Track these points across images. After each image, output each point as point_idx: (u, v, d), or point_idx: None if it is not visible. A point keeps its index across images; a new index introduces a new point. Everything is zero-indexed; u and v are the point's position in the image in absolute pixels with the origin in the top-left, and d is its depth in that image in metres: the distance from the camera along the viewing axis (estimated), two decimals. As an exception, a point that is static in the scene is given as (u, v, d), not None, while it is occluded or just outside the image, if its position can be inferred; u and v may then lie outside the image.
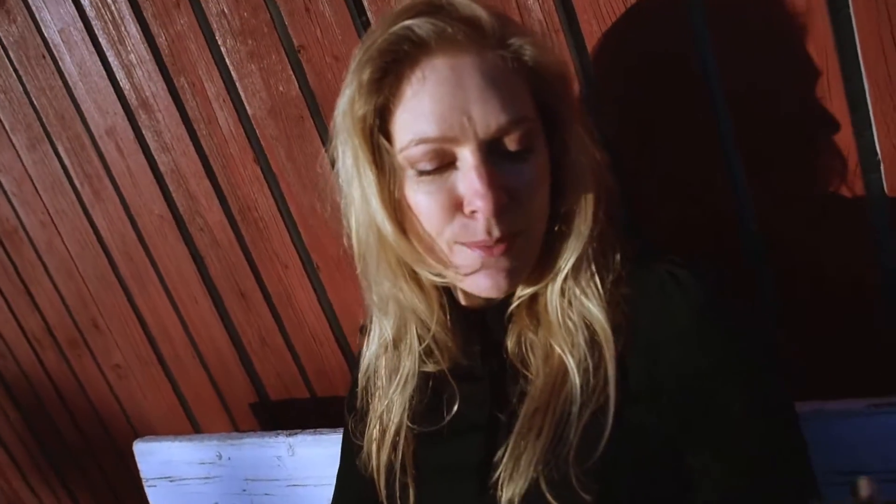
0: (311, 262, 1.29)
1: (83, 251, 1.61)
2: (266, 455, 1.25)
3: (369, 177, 0.64)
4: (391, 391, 0.77)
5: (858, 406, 0.76)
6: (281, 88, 1.15)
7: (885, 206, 0.80)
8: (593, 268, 0.67)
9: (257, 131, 1.21)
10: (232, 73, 1.17)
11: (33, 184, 1.58)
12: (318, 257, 1.28)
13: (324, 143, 1.14)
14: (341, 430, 1.17)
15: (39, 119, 1.47)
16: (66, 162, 1.49)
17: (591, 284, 0.66)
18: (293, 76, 1.12)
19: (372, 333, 0.81)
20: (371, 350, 0.81)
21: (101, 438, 1.95)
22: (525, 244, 0.66)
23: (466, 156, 0.61)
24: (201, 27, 1.17)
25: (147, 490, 1.45)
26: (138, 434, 1.87)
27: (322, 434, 1.19)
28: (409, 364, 0.76)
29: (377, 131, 0.64)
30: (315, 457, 1.20)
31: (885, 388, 0.80)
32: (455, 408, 0.73)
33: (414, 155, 0.62)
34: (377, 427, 0.78)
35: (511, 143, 0.62)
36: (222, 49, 1.16)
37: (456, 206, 0.63)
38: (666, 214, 0.91)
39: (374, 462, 0.78)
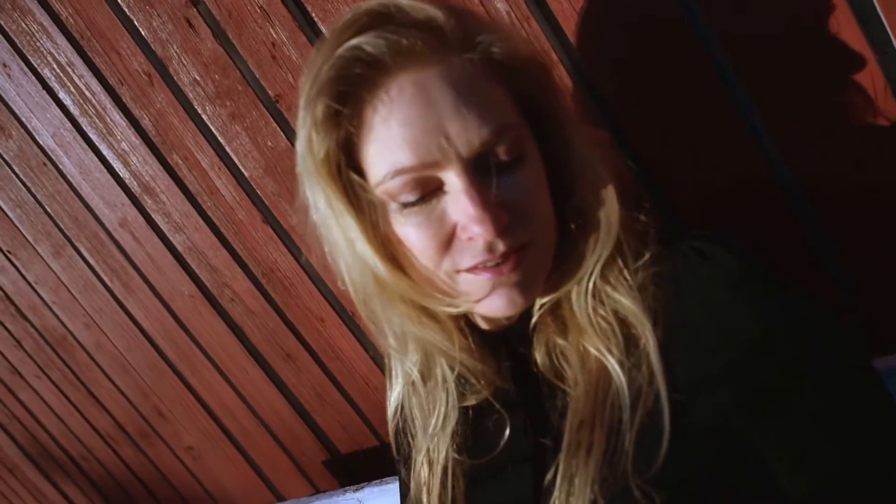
0: (345, 309, 1.24)
1: (129, 345, 1.60)
2: (340, 517, 1.19)
3: (348, 220, 0.58)
4: (431, 429, 0.70)
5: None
6: (269, 143, 1.09)
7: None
8: (620, 258, 0.59)
9: (258, 191, 1.16)
10: (219, 138, 1.13)
11: (68, 289, 1.58)
12: (350, 304, 1.22)
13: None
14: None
15: (56, 225, 1.47)
16: (91, 261, 1.49)
17: (621, 276, 0.59)
18: (278, 128, 1.07)
19: (394, 375, 0.76)
20: (396, 392, 0.76)
21: (192, 521, 1.95)
22: (536, 253, 0.58)
23: (453, 179, 0.54)
24: (178, 100, 1.13)
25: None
26: (226, 510, 1.85)
27: (388, 483, 1.14)
28: (444, 397, 0.69)
29: (345, 168, 0.57)
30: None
31: None
32: (506, 433, 0.66)
33: (393, 188, 0.55)
34: (424, 467, 0.71)
35: (499, 154, 0.55)
36: (203, 117, 1.12)
37: (450, 234, 0.56)
38: (690, 186, 0.81)
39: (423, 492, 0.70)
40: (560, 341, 0.61)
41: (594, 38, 0.79)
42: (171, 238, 1.33)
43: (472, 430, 0.68)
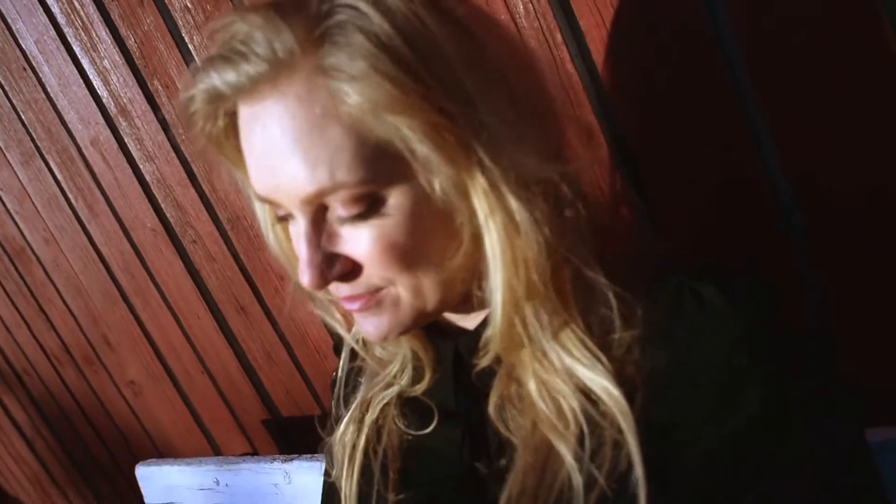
0: (304, 272, 1.20)
1: (86, 268, 1.56)
2: (262, 482, 1.16)
3: (259, 214, 0.58)
4: (371, 394, 0.66)
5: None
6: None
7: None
8: (583, 328, 0.51)
9: (234, 134, 1.11)
10: (202, 72, 1.08)
11: (32, 201, 1.54)
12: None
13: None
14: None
15: (29, 134, 1.42)
16: (59, 176, 1.44)
17: (584, 347, 0.51)
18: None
19: (345, 350, 0.71)
20: (344, 366, 0.72)
21: (124, 454, 1.92)
22: (395, 297, 0.52)
23: (297, 217, 0.49)
24: (167, 25, 1.08)
25: (150, 515, 1.40)
26: (158, 450, 1.82)
27: (319, 460, 1.09)
28: (398, 364, 0.65)
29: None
30: (313, 484, 1.10)
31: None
32: (432, 426, 0.61)
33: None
34: (352, 426, 0.67)
35: (337, 208, 0.48)
36: (190, 46, 1.07)
37: None
38: (691, 207, 0.77)
39: (344, 467, 0.66)
40: (512, 410, 0.54)
41: (616, 48, 0.74)
42: (140, 166, 1.28)
43: (409, 414, 0.64)
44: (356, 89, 0.44)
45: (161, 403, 1.68)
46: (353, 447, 0.66)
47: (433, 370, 0.62)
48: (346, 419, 0.67)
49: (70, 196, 1.45)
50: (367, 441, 0.65)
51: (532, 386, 0.52)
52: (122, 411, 1.82)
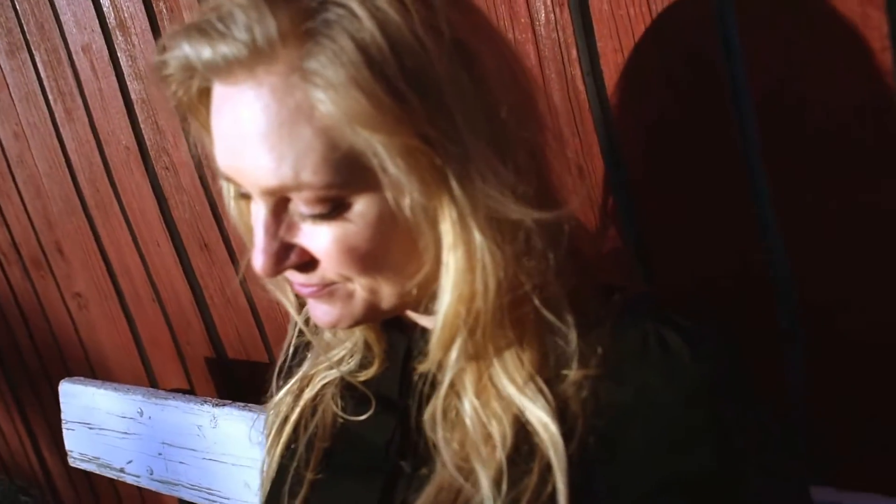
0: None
1: (51, 171, 1.52)
2: (187, 422, 1.15)
3: (223, 183, 0.56)
4: (314, 371, 0.66)
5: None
6: (258, 27, 1.02)
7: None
8: (528, 352, 0.51)
9: (230, 71, 1.09)
10: (210, 2, 1.06)
11: (10, 92, 1.49)
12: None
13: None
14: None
15: (20, 24, 1.38)
16: (42, 74, 1.40)
17: (526, 375, 0.50)
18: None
19: (294, 327, 0.71)
20: (291, 339, 0.72)
21: (57, 365, 1.89)
22: (349, 289, 0.51)
23: (257, 202, 0.48)
24: (184, -54, 1.05)
25: (64, 432, 1.38)
26: (92, 367, 1.80)
27: (250, 410, 1.09)
28: (334, 358, 0.65)
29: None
30: (238, 434, 1.10)
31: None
32: (368, 414, 0.61)
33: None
34: (288, 400, 0.66)
35: (299, 204, 0.47)
36: (202, -26, 1.04)
37: None
38: (684, 264, 0.78)
39: (271, 436, 0.66)
40: (443, 431, 0.54)
41: (630, 77, 0.74)
42: (128, 83, 1.25)
43: (350, 395, 0.64)
44: (333, 98, 0.42)
45: (104, 322, 1.66)
46: (285, 419, 0.66)
47: (381, 360, 0.62)
48: (284, 389, 0.67)
49: (50, 96, 1.41)
50: (300, 415, 0.65)
51: (467, 406, 0.52)
52: (63, 322, 1.79)
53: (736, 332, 0.53)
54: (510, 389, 0.50)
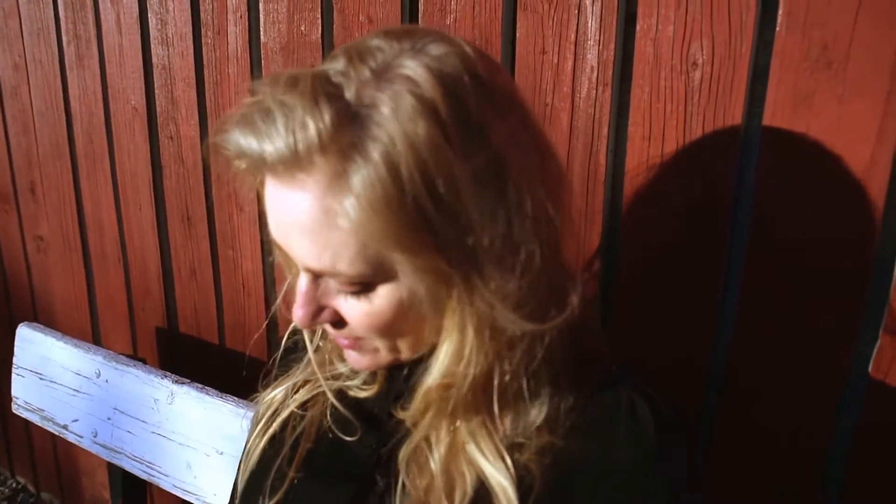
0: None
1: (46, 111, 1.49)
2: (145, 392, 1.15)
3: None
4: (314, 378, 0.69)
5: None
6: (303, 29, 1.05)
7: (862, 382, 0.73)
8: (497, 422, 0.56)
9: (263, 61, 1.11)
10: (259, -8, 1.07)
11: (20, 22, 1.46)
12: (277, 214, 1.18)
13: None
14: (226, 396, 1.08)
15: (50, -42, 1.35)
16: (61, 14, 1.37)
17: (492, 443, 0.56)
18: (319, 21, 1.03)
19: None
20: (290, 335, 0.76)
21: (0, 304, 1.83)
22: (373, 348, 0.59)
23: (300, 271, 0.55)
24: (245, -68, 1.06)
25: (13, 376, 1.35)
26: (36, 313, 1.75)
27: (208, 395, 1.10)
28: (339, 371, 0.68)
29: None
30: (192, 414, 1.10)
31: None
32: (357, 434, 0.65)
33: None
34: (281, 396, 0.70)
35: (333, 282, 0.54)
36: (257, -37, 1.06)
37: None
38: (636, 340, 0.84)
39: (259, 426, 0.69)
40: (422, 454, 0.58)
41: (651, 165, 0.81)
42: (152, 46, 1.25)
43: (338, 410, 0.67)
44: (363, 216, 0.46)
45: (62, 271, 1.62)
46: (275, 413, 0.69)
47: (381, 385, 0.66)
48: (281, 387, 0.70)
49: (64, 37, 1.39)
50: (290, 414, 0.68)
51: (436, 458, 0.57)
52: (17, 262, 1.74)
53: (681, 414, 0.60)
54: (476, 455, 0.56)
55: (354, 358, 0.60)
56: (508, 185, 0.49)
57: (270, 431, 0.68)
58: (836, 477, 0.77)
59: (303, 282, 0.54)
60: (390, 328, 0.55)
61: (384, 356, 0.59)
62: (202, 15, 1.16)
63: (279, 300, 0.69)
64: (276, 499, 0.63)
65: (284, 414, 0.68)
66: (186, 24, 1.18)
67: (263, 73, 1.11)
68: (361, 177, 0.45)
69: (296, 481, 0.64)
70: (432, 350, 0.56)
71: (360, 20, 0.98)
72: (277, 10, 1.06)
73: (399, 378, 0.64)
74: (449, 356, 0.53)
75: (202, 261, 1.33)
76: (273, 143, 0.45)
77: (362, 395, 0.67)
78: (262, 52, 1.10)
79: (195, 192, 1.29)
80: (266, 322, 1.26)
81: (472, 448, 0.56)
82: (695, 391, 0.83)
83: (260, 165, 0.47)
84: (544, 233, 0.51)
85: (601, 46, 0.81)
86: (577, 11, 0.82)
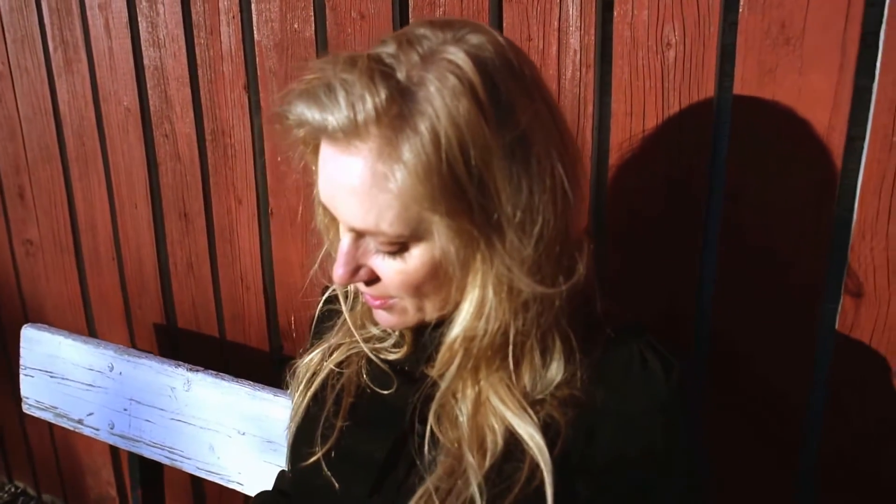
0: (267, 205, 1.25)
1: (34, 116, 1.51)
2: (160, 382, 1.19)
3: (316, 186, 0.66)
4: (347, 340, 0.76)
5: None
6: (296, 26, 1.10)
7: (830, 338, 0.83)
8: (519, 377, 0.63)
9: (257, 59, 1.16)
10: (251, -8, 1.12)
11: (3, 30, 1.47)
12: (276, 203, 1.24)
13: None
14: (241, 380, 1.14)
15: (32, -34, 1.37)
16: (46, 20, 1.40)
17: (514, 398, 0.62)
18: (312, 18, 1.08)
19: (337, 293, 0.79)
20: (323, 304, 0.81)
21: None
22: (402, 307, 0.65)
23: (343, 230, 0.61)
24: (235, -65, 1.11)
25: (21, 377, 1.37)
26: (27, 316, 1.77)
27: (223, 380, 1.15)
28: (371, 333, 0.75)
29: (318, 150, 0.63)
30: (210, 399, 1.15)
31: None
32: (394, 387, 0.72)
33: None
34: (319, 358, 0.76)
35: (375, 241, 0.60)
36: (249, -35, 1.11)
37: None
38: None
39: (300, 386, 0.76)
40: (449, 408, 0.64)
41: (633, 137, 0.89)
42: (143, 49, 1.28)
43: (374, 367, 0.74)
44: (409, 180, 0.53)
45: (54, 273, 1.64)
46: (314, 373, 0.76)
47: (409, 346, 0.73)
48: (317, 350, 0.77)
49: (50, 43, 1.41)
50: (329, 374, 0.75)
51: (464, 410, 0.64)
52: (4, 266, 1.75)
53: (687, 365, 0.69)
54: (500, 407, 0.62)
55: (384, 317, 0.67)
56: (532, 160, 0.56)
57: (312, 390, 0.75)
58: (816, 427, 0.86)
59: (345, 242, 0.61)
60: (419, 287, 0.62)
61: (411, 316, 0.66)
62: (193, 17, 1.20)
63: (316, 266, 0.75)
64: (328, 445, 0.70)
65: (323, 374, 0.75)
66: (178, 27, 1.22)
67: (258, 71, 1.16)
68: (410, 145, 0.52)
69: (343, 429, 0.71)
70: (454, 311, 0.63)
71: (353, 16, 1.04)
72: (270, 9, 1.11)
73: (425, 338, 0.70)
74: (470, 312, 0.60)
75: (200, 255, 1.38)
76: (334, 114, 0.52)
77: (392, 357, 0.73)
78: (257, 49, 1.15)
79: (192, 188, 1.33)
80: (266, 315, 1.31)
81: (496, 402, 0.62)
82: (684, 355, 0.92)
83: (319, 133, 0.55)
84: (560, 206, 0.58)
85: (582, 31, 0.89)
86: (558, 0, 0.89)
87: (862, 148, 0.77)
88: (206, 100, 1.24)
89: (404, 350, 0.73)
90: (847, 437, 0.84)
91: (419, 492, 0.62)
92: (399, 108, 0.52)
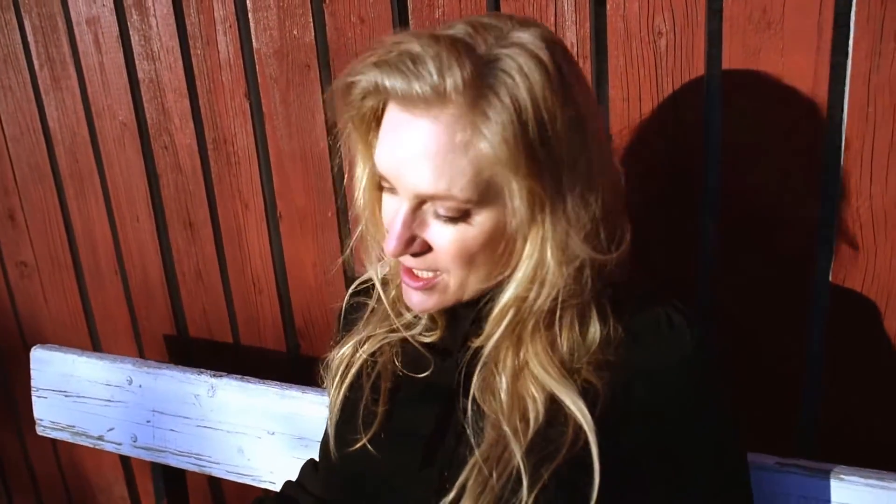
0: (275, 208, 1.28)
1: (21, 136, 1.50)
2: (183, 391, 1.22)
3: (360, 166, 0.71)
4: (377, 331, 0.79)
5: (768, 462, 0.84)
6: (295, 33, 1.13)
7: (825, 293, 0.92)
8: (560, 345, 0.67)
9: (257, 67, 1.19)
10: (247, 1, 1.15)
11: (-15, 51, 1.46)
12: (284, 205, 1.27)
13: (324, 97, 1.14)
14: (268, 381, 1.17)
15: (11, -13, 1.37)
16: (30, 38, 1.39)
17: (556, 365, 0.66)
18: (311, 24, 1.12)
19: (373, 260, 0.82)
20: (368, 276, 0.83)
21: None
22: (444, 285, 0.68)
23: (402, 199, 0.65)
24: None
25: (34, 399, 1.38)
26: (24, 339, 1.76)
27: (249, 382, 1.17)
28: (400, 322, 0.78)
29: (374, 127, 0.67)
30: (236, 403, 1.18)
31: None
32: (429, 372, 0.76)
33: (378, 172, 0.67)
34: (351, 350, 0.80)
35: (439, 208, 0.63)
36: (243, -26, 1.13)
37: None
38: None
39: (336, 378, 0.79)
40: (490, 380, 0.68)
41: (631, 121, 0.95)
42: (137, 63, 1.30)
43: (412, 352, 0.78)
44: (489, 143, 0.58)
45: (52, 293, 1.64)
46: (348, 365, 0.80)
47: (443, 328, 0.77)
48: (349, 343, 0.81)
49: (35, 62, 1.41)
50: (363, 364, 0.79)
51: (503, 381, 0.67)
52: (-2, 289, 1.74)
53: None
54: (541, 374, 0.67)
55: (419, 299, 0.69)
56: (588, 135, 0.63)
57: (348, 380, 0.79)
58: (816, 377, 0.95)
59: (402, 211, 0.63)
60: (473, 257, 0.65)
61: (451, 294, 0.68)
62: (188, 28, 1.22)
63: (351, 245, 0.79)
64: (373, 428, 0.74)
65: (357, 364, 0.79)
66: (172, 38, 1.24)
67: (259, 78, 1.19)
68: (494, 112, 0.58)
69: (385, 413, 0.75)
70: (494, 287, 0.68)
71: (353, 21, 1.08)
72: (267, 17, 1.14)
73: (460, 315, 0.74)
74: (527, 275, 0.64)
75: (208, 262, 1.40)
76: (419, 82, 0.57)
77: (426, 340, 0.78)
78: (256, 57, 1.18)
79: (196, 197, 1.35)
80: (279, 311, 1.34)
81: (538, 370, 0.67)
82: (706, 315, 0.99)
83: (395, 100, 0.60)
84: (609, 180, 0.65)
85: (578, 25, 0.95)
86: (553, -3, 0.95)
87: (842, 118, 0.85)
88: (206, 109, 1.27)
89: (438, 332, 0.78)
90: (846, 395, 0.93)
91: (470, 462, 0.66)
92: (482, 78, 0.58)
